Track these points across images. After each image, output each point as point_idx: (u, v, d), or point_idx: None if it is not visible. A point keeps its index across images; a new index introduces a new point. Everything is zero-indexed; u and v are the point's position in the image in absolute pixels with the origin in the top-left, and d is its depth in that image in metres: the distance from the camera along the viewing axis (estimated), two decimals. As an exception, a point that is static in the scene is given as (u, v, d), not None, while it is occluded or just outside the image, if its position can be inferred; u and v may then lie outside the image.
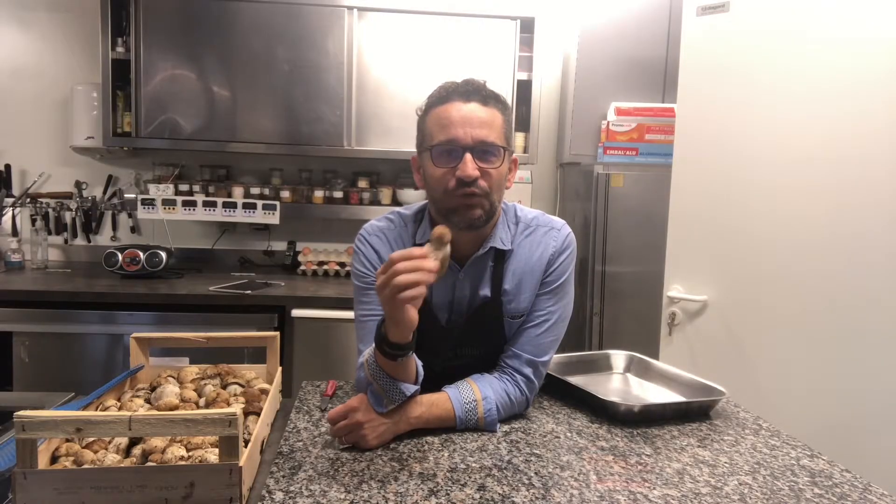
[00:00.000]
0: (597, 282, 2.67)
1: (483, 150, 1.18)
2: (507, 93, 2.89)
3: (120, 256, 2.75)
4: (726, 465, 1.12)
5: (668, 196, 2.29)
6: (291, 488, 0.97)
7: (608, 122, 2.71)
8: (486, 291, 1.29)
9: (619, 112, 2.72)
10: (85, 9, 2.96)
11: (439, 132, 1.19)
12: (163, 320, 2.48)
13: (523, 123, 3.00)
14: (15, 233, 3.10)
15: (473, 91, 1.20)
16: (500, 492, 0.98)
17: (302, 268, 3.05)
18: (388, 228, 1.35)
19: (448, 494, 0.97)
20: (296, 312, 2.53)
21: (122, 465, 0.95)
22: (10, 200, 3.05)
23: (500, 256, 1.29)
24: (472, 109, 1.18)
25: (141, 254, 2.76)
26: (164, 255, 2.77)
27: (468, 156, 1.17)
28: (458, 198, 1.18)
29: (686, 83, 2.29)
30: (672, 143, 2.67)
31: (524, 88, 2.96)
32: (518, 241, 1.31)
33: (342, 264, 3.05)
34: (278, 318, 2.54)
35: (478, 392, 1.23)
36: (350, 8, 2.85)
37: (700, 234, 2.25)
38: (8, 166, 3.09)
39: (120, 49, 2.79)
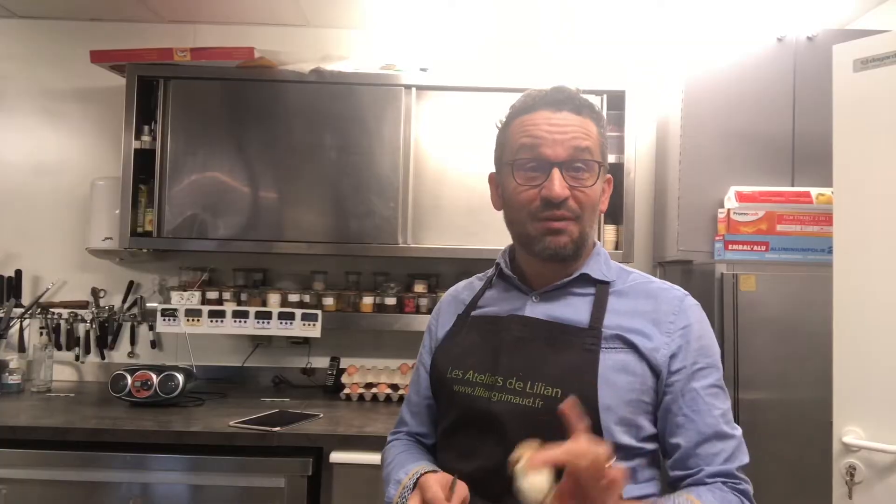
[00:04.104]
0: (728, 415, 2.03)
1: (574, 166, 1.02)
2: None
3: (129, 380, 2.27)
4: None
5: (815, 301, 1.87)
6: None
7: (728, 211, 2.17)
8: (578, 317, 1.05)
9: (742, 197, 2.18)
10: (117, 98, 2.65)
11: (523, 144, 1.04)
12: (162, 465, 1.95)
13: (614, 215, 2.49)
14: (22, 348, 2.68)
15: (565, 99, 1.04)
16: None
17: (346, 391, 2.51)
18: (466, 284, 1.24)
19: None
20: (335, 457, 1.96)
21: None
22: (18, 311, 2.67)
23: (601, 291, 1.07)
24: (563, 119, 1.03)
25: (154, 377, 2.28)
26: (180, 378, 2.28)
27: (556, 172, 1.01)
28: (543, 221, 1.03)
29: (844, 160, 1.75)
30: (812, 236, 2.16)
31: (614, 174, 2.45)
32: (627, 284, 1.09)
33: (395, 387, 2.50)
34: (314, 462, 1.97)
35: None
36: (408, 87, 2.47)
37: (883, 352, 1.63)
38: (19, 272, 2.72)
39: (146, 138, 2.45)
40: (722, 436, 1.01)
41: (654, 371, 1.02)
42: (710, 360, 1.05)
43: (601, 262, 1.10)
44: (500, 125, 1.12)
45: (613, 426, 0.98)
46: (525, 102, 1.07)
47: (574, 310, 1.06)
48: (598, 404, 0.97)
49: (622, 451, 0.99)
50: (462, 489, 0.94)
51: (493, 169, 1.15)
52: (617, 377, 0.99)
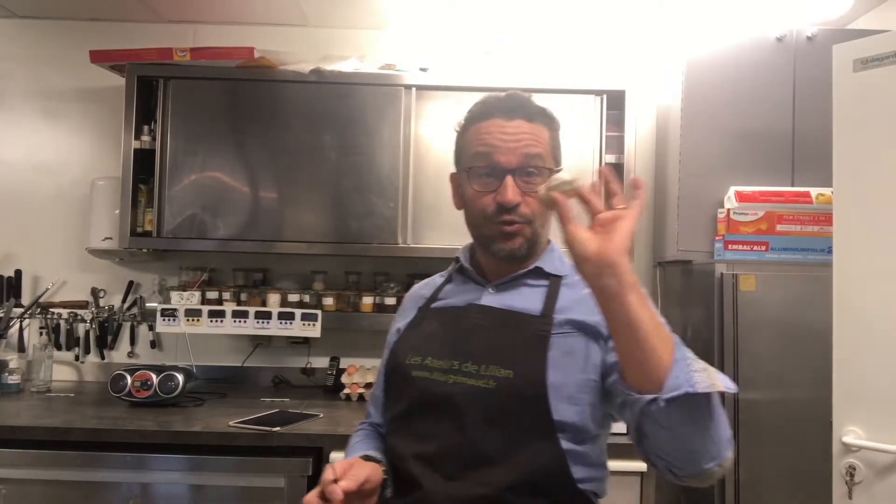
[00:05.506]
0: (729, 414, 2.03)
1: (526, 171, 1.08)
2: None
3: (129, 379, 2.27)
4: None
5: (815, 302, 1.87)
6: None
7: (729, 211, 2.17)
8: (532, 306, 1.10)
9: (742, 197, 2.18)
10: (117, 98, 2.65)
11: (478, 152, 1.10)
12: (162, 465, 1.96)
13: (614, 214, 2.48)
14: (22, 348, 2.68)
15: (517, 107, 1.11)
16: None
17: (346, 391, 2.50)
18: (427, 281, 1.30)
19: None
20: (335, 457, 1.95)
21: None
22: (18, 311, 2.67)
23: (554, 283, 1.12)
24: (516, 127, 1.09)
25: (154, 376, 2.28)
26: (180, 378, 2.28)
27: (509, 179, 1.08)
28: (497, 225, 1.10)
29: (844, 160, 1.75)
30: (812, 236, 2.16)
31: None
32: (577, 277, 1.02)
33: (395, 387, 2.49)
34: (314, 462, 1.97)
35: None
36: (408, 87, 2.47)
37: (883, 352, 1.63)
38: (19, 272, 2.72)
39: (146, 138, 2.45)
40: None
41: (603, 349, 1.04)
42: None
43: (555, 259, 1.17)
44: (458, 129, 1.17)
45: (561, 404, 1.01)
46: (481, 109, 1.13)
47: (527, 299, 1.12)
48: (547, 383, 1.00)
49: (572, 433, 1.02)
50: (358, 473, 0.98)
51: None
52: (566, 359, 1.04)
